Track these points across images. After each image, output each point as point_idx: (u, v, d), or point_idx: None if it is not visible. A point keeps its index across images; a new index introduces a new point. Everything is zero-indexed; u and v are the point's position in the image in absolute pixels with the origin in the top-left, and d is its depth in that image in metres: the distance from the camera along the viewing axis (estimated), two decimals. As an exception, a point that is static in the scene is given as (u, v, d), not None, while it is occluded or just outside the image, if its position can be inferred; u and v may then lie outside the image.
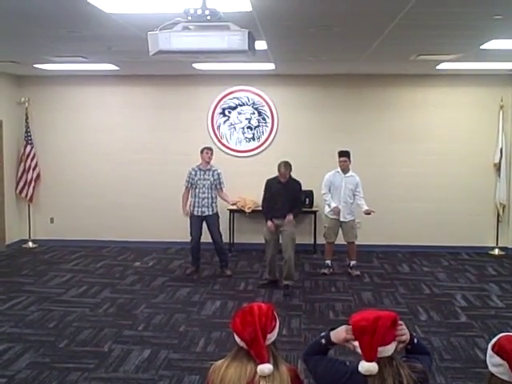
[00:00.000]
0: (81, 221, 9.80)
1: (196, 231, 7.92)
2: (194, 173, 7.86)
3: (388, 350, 2.31)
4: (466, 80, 9.19)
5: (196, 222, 7.90)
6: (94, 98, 9.74)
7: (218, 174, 7.89)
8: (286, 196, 7.20)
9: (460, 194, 9.42)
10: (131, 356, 5.21)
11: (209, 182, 7.82)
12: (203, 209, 7.83)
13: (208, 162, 7.85)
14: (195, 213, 7.85)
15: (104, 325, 6.00)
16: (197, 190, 7.82)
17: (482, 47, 6.41)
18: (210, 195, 7.83)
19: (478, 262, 8.86)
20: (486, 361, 2.25)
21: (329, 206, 7.89)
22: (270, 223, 7.23)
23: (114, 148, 9.72)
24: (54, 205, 9.90)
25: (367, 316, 2.32)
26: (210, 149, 7.91)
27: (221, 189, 7.95)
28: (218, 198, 7.98)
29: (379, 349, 2.28)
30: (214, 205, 7.91)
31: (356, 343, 2.31)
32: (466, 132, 9.37)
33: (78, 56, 7.39)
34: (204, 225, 7.95)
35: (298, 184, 7.35)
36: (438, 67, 8.21)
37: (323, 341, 2.50)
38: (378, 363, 2.28)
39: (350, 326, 2.33)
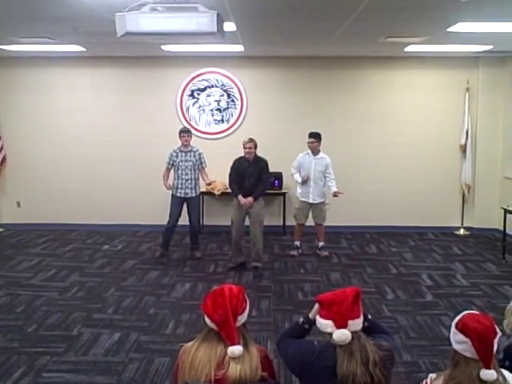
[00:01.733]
0: (48, 204, 9.67)
1: (175, 213, 7.89)
2: (175, 154, 7.82)
3: (356, 324, 2.39)
4: (434, 62, 9.27)
5: (177, 203, 7.87)
6: (61, 79, 9.57)
7: (200, 154, 7.87)
8: (254, 174, 7.20)
9: (427, 175, 9.55)
10: (101, 339, 5.19)
11: (191, 163, 7.80)
12: (186, 190, 7.81)
13: (186, 145, 7.82)
14: (178, 194, 7.83)
15: (73, 309, 5.97)
16: (179, 172, 7.79)
17: (448, 30, 6.47)
18: (192, 176, 7.82)
19: (443, 241, 9.02)
20: (449, 338, 2.31)
21: (298, 181, 7.90)
22: (240, 197, 7.20)
23: (82, 130, 9.59)
24: (20, 188, 9.75)
25: (333, 292, 2.47)
26: (185, 131, 7.86)
27: (203, 168, 7.94)
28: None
29: (349, 322, 2.36)
30: (197, 186, 7.91)
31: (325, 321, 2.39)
32: (433, 114, 9.48)
33: (44, 37, 7.24)
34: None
35: (265, 162, 7.35)
36: (405, 49, 8.27)
37: (301, 319, 2.58)
38: (352, 336, 2.35)
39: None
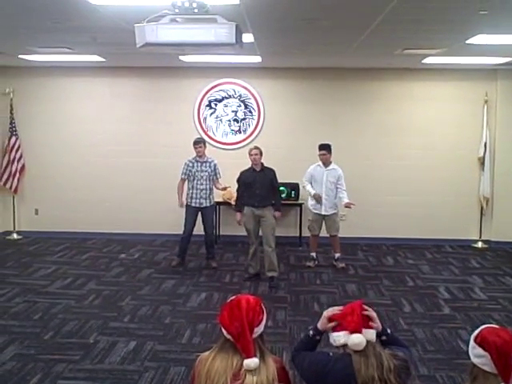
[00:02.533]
0: (66, 212, 9.75)
1: (191, 223, 7.91)
2: (191, 165, 7.85)
3: (370, 333, 2.40)
4: (452, 74, 9.24)
5: (192, 213, 7.90)
6: (79, 89, 9.67)
7: (215, 165, 7.93)
8: (263, 184, 7.22)
9: (445, 187, 9.48)
10: (117, 348, 5.21)
11: (206, 173, 7.84)
12: (201, 200, 7.84)
13: (201, 156, 7.86)
14: (193, 204, 7.85)
15: (89, 317, 6.00)
16: (195, 182, 7.82)
17: (467, 42, 6.44)
18: (207, 186, 7.85)
19: (461, 254, 8.95)
20: (468, 352, 2.29)
21: (310, 192, 7.91)
22: (238, 214, 7.35)
23: (100, 140, 9.66)
24: (38, 196, 9.84)
25: (340, 308, 2.50)
26: (198, 142, 7.87)
27: (217, 179, 8.00)
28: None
29: (363, 329, 2.37)
30: (211, 196, 7.94)
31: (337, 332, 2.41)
32: (451, 126, 9.42)
33: (64, 47, 7.32)
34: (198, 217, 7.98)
35: (272, 171, 7.38)
36: (423, 61, 8.24)
37: (311, 332, 2.58)
38: (367, 344, 2.35)
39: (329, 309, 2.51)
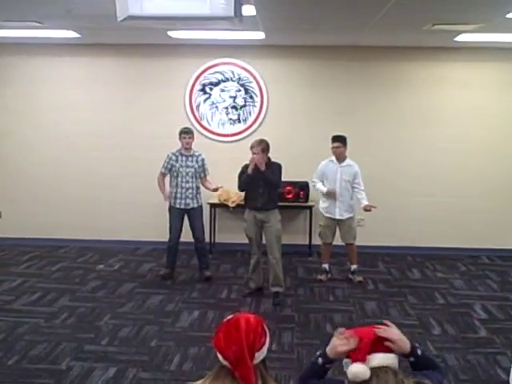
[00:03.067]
0: (34, 216, 9.75)
1: (176, 227, 7.93)
2: (174, 158, 7.86)
3: (383, 357, 2.37)
4: (491, 54, 9.21)
5: (177, 215, 7.91)
6: (50, 70, 9.67)
7: (203, 160, 7.94)
8: (267, 183, 7.10)
9: (481, 188, 9.49)
10: (93, 375, 5.20)
11: (193, 169, 7.85)
12: (187, 200, 7.85)
13: (188, 148, 7.86)
14: (177, 205, 7.86)
15: (61, 338, 5.99)
16: (179, 179, 7.82)
17: (508, 16, 6.43)
18: (194, 184, 7.86)
19: (500, 267, 8.94)
20: (509, 382, 2.28)
21: (321, 191, 7.90)
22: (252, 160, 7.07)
23: (74, 131, 9.66)
24: (1, 197, 9.85)
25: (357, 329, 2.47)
26: (187, 132, 7.88)
27: (205, 176, 8.00)
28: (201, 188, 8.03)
29: (373, 355, 2.35)
30: (198, 196, 7.95)
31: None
32: (489, 116, 9.42)
33: (32, 21, 7.32)
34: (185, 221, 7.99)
35: (278, 165, 7.23)
36: (456, 39, 8.23)
37: (320, 360, 2.55)
38: (377, 372, 2.32)
39: (341, 329, 2.46)
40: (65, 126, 9.67)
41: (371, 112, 9.49)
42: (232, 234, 9.41)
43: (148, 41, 9.07)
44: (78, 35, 8.49)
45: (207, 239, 9.04)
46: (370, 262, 8.96)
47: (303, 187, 9.19)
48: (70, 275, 8.21)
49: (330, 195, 7.80)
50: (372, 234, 9.19)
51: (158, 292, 7.54)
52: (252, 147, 7.06)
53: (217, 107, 9.64)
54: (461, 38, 8.12)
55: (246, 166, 7.24)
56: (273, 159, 7.27)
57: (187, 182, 7.84)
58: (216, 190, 8.09)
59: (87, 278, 8.07)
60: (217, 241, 9.64)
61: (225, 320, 2.37)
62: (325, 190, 7.84)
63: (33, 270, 8.45)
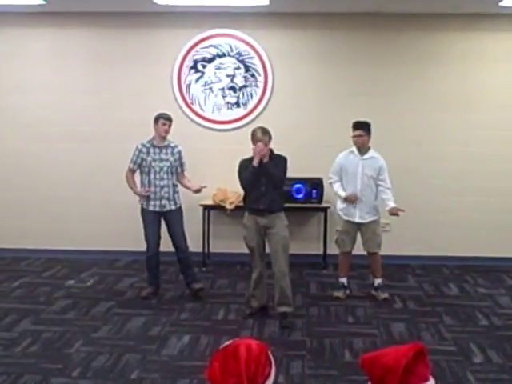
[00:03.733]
0: (-11, 221, 9.78)
1: (153, 234, 7.93)
2: (145, 150, 7.82)
3: None
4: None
5: (153, 220, 7.91)
6: (9, 44, 9.68)
7: (179, 153, 7.91)
8: (271, 180, 7.08)
9: (532, 185, 9.50)
10: (62, 414, 5.20)
11: (168, 163, 7.81)
12: (163, 201, 7.83)
13: (164, 137, 7.84)
14: (151, 207, 7.85)
15: (23, 369, 5.96)
16: (151, 176, 7.80)
17: None
18: (170, 182, 7.84)
19: (555, 281, 8.95)
20: None
21: (339, 195, 7.90)
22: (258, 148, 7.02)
23: (38, 117, 9.69)
24: (-49, 198, 9.87)
25: (383, 352, 2.42)
26: (167, 118, 7.82)
27: (182, 172, 7.98)
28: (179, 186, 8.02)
29: None
30: (176, 195, 7.93)
31: None
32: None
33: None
34: (163, 226, 7.97)
35: (283, 159, 7.20)
36: (501, 3, 8.23)
37: None
38: None
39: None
40: (27, 112, 9.69)
41: (396, 93, 9.48)
42: (230, 242, 9.40)
43: (128, 8, 9.08)
44: (42, 1, 8.49)
45: (200, 249, 9.06)
46: (397, 275, 8.96)
47: (316, 185, 9.17)
48: (33, 293, 8.21)
49: (350, 201, 7.80)
50: (400, 241, 9.17)
51: (140, 313, 7.52)
52: (255, 135, 7.01)
53: (211, 88, 9.63)
54: (506, 2, 8.10)
55: (245, 161, 7.23)
56: (278, 151, 7.24)
57: (162, 178, 7.80)
58: (199, 191, 8.01)
59: (54, 297, 8.06)
60: (211, 250, 9.64)
61: (221, 347, 2.36)
62: (343, 194, 7.82)
63: (-11, 286, 8.47)
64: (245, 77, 9.59)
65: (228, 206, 9.03)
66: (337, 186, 7.92)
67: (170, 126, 7.80)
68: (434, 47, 9.43)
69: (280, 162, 7.15)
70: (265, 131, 7.04)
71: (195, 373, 5.77)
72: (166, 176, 7.80)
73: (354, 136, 7.80)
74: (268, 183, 7.04)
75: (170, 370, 6.00)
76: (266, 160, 6.98)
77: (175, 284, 8.52)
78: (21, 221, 9.76)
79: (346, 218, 7.95)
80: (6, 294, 8.17)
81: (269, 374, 2.34)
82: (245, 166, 7.17)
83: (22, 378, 5.77)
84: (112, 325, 7.16)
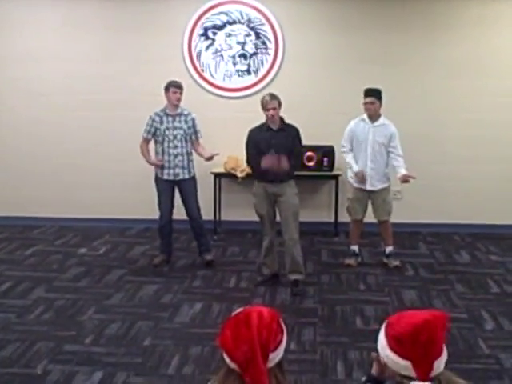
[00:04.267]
0: (1, 190, 9.82)
1: (166, 203, 7.93)
2: (158, 119, 7.78)
3: (441, 362, 2.40)
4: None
5: (166, 189, 7.90)
6: (19, 14, 9.62)
7: (193, 120, 7.86)
8: (282, 148, 7.03)
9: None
10: (75, 381, 5.21)
11: (182, 131, 7.77)
12: (176, 170, 7.81)
13: (177, 105, 7.80)
14: (165, 176, 7.84)
15: (37, 337, 6.00)
16: (165, 145, 7.77)
17: None
18: (184, 150, 7.80)
19: None
20: None
21: (351, 167, 7.88)
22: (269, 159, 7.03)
23: (49, 86, 9.66)
24: (-38, 166, 9.90)
25: (414, 320, 2.41)
26: (178, 86, 7.77)
27: (196, 139, 7.93)
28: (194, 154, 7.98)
29: (435, 364, 2.36)
30: (190, 164, 7.91)
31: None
32: None
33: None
34: (176, 194, 7.96)
35: (296, 129, 7.22)
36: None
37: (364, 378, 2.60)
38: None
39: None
40: (39, 81, 9.66)
41: (408, 60, 9.40)
42: (241, 210, 9.39)
43: (137, -25, 9.01)
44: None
45: (211, 217, 9.07)
46: (408, 242, 8.96)
47: (327, 153, 9.14)
48: (46, 261, 8.24)
49: (359, 177, 7.79)
50: (411, 208, 9.14)
51: (152, 281, 7.55)
52: (266, 103, 6.99)
53: (222, 56, 9.58)
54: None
55: (254, 131, 7.22)
56: (289, 119, 7.21)
57: (175, 147, 7.77)
58: (211, 158, 7.95)
59: (67, 265, 8.09)
60: (223, 218, 9.65)
61: (233, 314, 2.36)
62: (355, 168, 7.80)
63: (1, 254, 8.50)
64: (255, 44, 9.51)
65: (239, 174, 9.02)
66: (349, 158, 7.89)
67: (181, 93, 7.76)
68: (447, 13, 9.31)
69: (293, 133, 7.16)
70: (273, 96, 7.03)
71: (207, 340, 5.80)
72: (179, 144, 7.76)
73: (366, 103, 7.75)
74: (278, 150, 6.99)
75: (182, 338, 6.03)
76: (275, 128, 7.00)
77: (187, 252, 8.54)
78: (33, 189, 9.77)
79: (356, 185, 7.93)
80: (19, 261, 8.20)
81: (280, 340, 2.34)
82: (253, 135, 7.18)
83: (35, 345, 5.82)
84: (124, 292, 7.19)
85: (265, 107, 7.02)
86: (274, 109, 6.98)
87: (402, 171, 7.68)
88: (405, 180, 7.69)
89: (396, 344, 2.42)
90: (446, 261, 8.37)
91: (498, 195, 9.48)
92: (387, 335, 2.46)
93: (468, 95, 9.40)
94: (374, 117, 7.79)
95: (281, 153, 7.00)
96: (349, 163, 7.92)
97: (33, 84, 9.67)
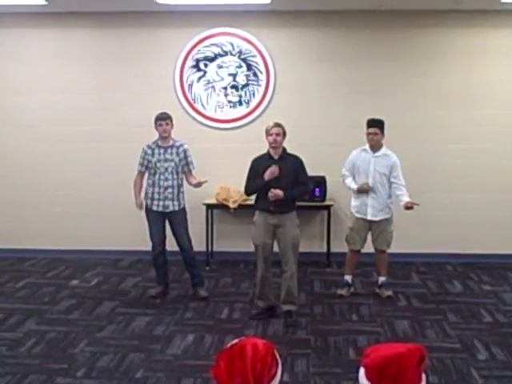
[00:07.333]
0: (-7, 221, 9.79)
1: (157, 233, 7.92)
2: (150, 152, 7.80)
3: None
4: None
5: (157, 219, 7.90)
6: (9, 44, 9.68)
7: (185, 151, 7.84)
8: (285, 177, 7.00)
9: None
10: (67, 414, 5.20)
11: (173, 163, 7.77)
12: (166, 202, 7.80)
13: (166, 138, 7.80)
14: (154, 207, 7.84)
15: (28, 370, 5.97)
16: (156, 177, 7.78)
17: None
18: (175, 182, 7.79)
19: (560, 277, 8.94)
20: None
21: (351, 188, 7.87)
22: (271, 168, 6.96)
23: (41, 117, 9.69)
24: (-46, 198, 9.88)
25: (386, 353, 2.40)
26: (163, 118, 7.74)
27: (189, 171, 7.91)
28: (185, 185, 7.96)
29: None
30: (180, 196, 7.89)
31: None
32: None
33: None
34: (167, 226, 7.97)
35: (298, 159, 7.21)
36: (503, 0, 8.21)
37: None
38: None
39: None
40: (29, 112, 9.69)
41: (400, 91, 9.47)
42: (233, 240, 9.40)
43: (130, 8, 9.07)
44: (44, 2, 8.48)
45: (203, 248, 9.06)
46: (401, 272, 8.97)
47: (319, 183, 9.16)
48: (37, 293, 8.22)
49: (363, 190, 7.77)
50: (403, 238, 9.13)
51: (144, 312, 7.53)
52: (270, 128, 7.03)
53: (213, 87, 9.62)
54: (509, -2, 8.12)
55: (257, 160, 7.20)
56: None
57: (166, 179, 7.76)
58: (199, 185, 7.89)
59: (59, 297, 8.07)
60: (215, 249, 9.64)
61: (227, 346, 2.36)
62: (355, 187, 7.81)
63: (-7, 287, 8.49)
64: (247, 75, 9.56)
65: (231, 205, 9.02)
66: (349, 181, 7.90)
67: (168, 124, 7.72)
68: (436, 44, 9.40)
69: (295, 162, 7.15)
70: (278, 124, 7.08)
71: (200, 372, 5.77)
72: (170, 176, 7.77)
73: (369, 133, 7.77)
74: (280, 184, 6.95)
75: (175, 370, 6.01)
76: (276, 157, 7.03)
77: (179, 283, 8.51)
78: (24, 221, 9.77)
79: (358, 215, 7.93)
80: (10, 294, 8.17)
81: (275, 373, 2.34)
82: (256, 164, 7.17)
83: (26, 379, 5.78)
84: (116, 324, 7.17)
85: (268, 132, 7.05)
86: (278, 134, 7.00)
87: (406, 198, 7.64)
88: (409, 206, 7.64)
89: (368, 374, 2.43)
90: (439, 291, 8.37)
91: (490, 224, 9.50)
92: (363, 365, 2.48)
93: (457, 125, 9.46)
94: (375, 147, 7.81)
95: (281, 181, 6.98)
96: (349, 186, 7.90)
97: (21, 115, 9.70)
